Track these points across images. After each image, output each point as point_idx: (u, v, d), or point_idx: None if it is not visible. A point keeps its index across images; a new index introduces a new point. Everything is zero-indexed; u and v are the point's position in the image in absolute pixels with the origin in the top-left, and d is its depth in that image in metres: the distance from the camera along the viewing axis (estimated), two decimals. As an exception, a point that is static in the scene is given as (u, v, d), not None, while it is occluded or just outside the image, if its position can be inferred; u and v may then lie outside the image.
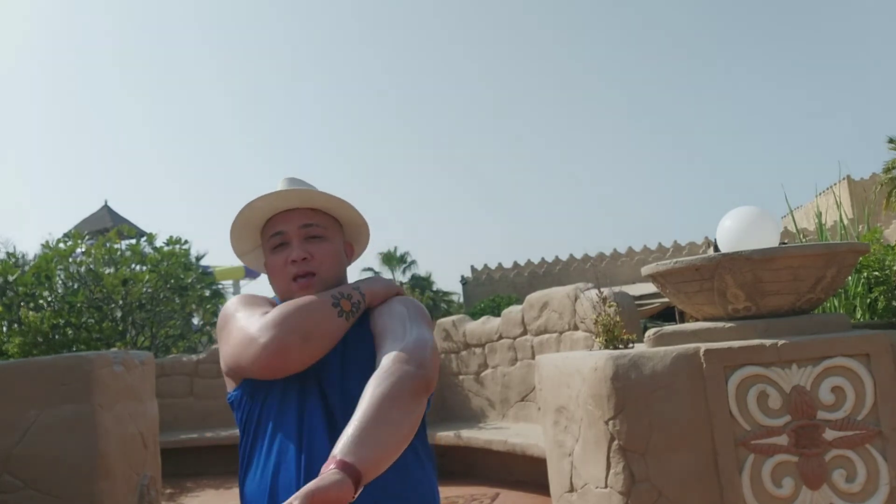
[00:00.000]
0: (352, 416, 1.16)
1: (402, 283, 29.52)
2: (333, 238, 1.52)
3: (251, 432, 1.41)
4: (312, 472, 1.23)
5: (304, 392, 1.39)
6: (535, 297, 6.28)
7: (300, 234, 1.47)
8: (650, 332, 3.14)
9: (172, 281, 10.89)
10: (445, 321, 7.39)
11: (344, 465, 1.06)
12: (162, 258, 10.95)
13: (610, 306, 3.46)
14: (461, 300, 27.11)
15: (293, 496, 1.00)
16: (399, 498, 1.33)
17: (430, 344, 1.35)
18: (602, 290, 4.06)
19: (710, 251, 5.07)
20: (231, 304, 1.50)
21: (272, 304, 1.49)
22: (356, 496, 1.05)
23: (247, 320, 1.38)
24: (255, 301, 1.49)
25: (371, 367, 1.30)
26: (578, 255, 26.10)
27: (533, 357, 6.08)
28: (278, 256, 1.47)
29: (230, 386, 1.48)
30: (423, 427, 1.42)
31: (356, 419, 1.15)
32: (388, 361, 1.27)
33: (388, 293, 1.51)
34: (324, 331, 1.34)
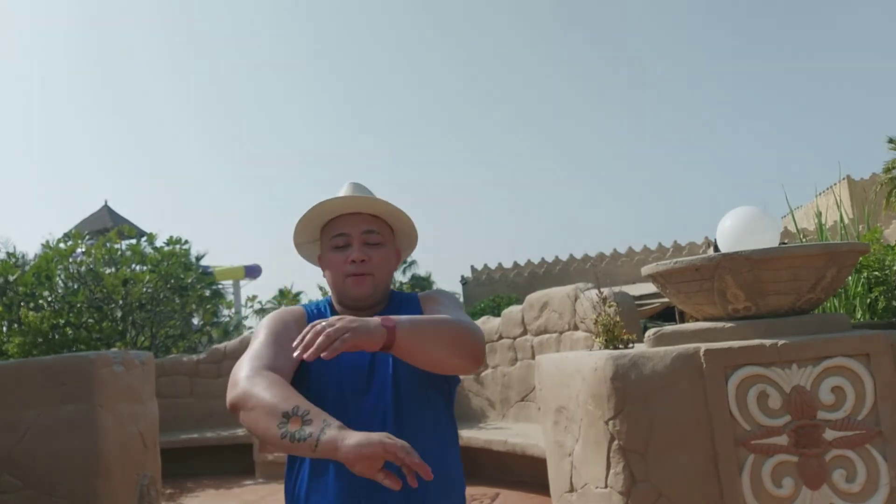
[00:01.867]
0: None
1: (402, 284, 29.50)
2: (388, 244, 1.69)
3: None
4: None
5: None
6: (535, 297, 6.28)
7: (361, 238, 1.63)
8: (650, 332, 3.14)
9: (172, 281, 10.89)
10: (445, 321, 7.38)
11: (385, 320, 1.34)
12: (162, 258, 10.95)
13: (610, 306, 3.46)
14: (461, 300, 27.12)
15: (336, 317, 1.30)
16: (445, 468, 1.54)
17: (478, 327, 1.58)
18: (602, 290, 4.06)
19: (710, 251, 5.06)
20: (262, 324, 1.62)
21: (300, 323, 1.61)
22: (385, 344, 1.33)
23: (247, 362, 1.47)
24: (279, 328, 1.57)
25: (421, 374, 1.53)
26: (578, 255, 26.11)
27: (533, 357, 6.08)
28: (339, 254, 1.63)
29: None
30: (456, 432, 1.67)
31: (423, 317, 1.45)
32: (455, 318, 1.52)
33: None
34: (257, 425, 1.35)
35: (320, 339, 1.26)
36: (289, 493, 1.60)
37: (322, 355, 1.25)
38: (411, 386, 1.56)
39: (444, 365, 1.47)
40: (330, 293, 1.72)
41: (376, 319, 1.34)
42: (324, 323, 1.29)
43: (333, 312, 1.69)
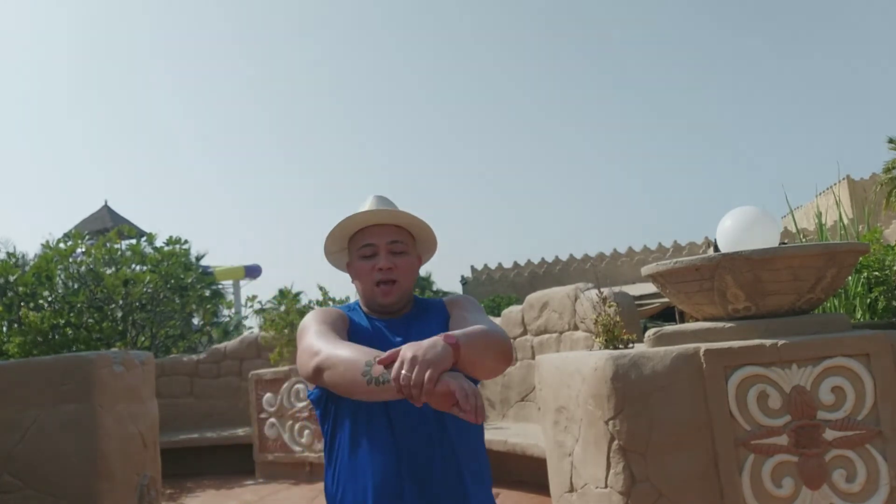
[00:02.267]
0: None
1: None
2: (411, 252, 1.83)
3: (331, 422, 1.73)
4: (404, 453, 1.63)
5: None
6: (535, 297, 6.28)
7: (388, 248, 1.77)
8: (650, 332, 3.14)
9: (172, 281, 10.88)
10: (445, 321, 7.38)
11: (447, 338, 1.42)
12: (162, 258, 10.94)
13: (610, 306, 3.46)
14: (462, 301, 27.03)
15: (403, 353, 1.36)
16: (475, 457, 1.70)
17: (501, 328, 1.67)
18: (602, 290, 4.06)
19: (710, 251, 5.06)
20: (308, 318, 1.75)
21: (343, 318, 1.76)
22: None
23: (316, 340, 1.62)
24: (327, 319, 1.71)
25: None
26: (578, 255, 26.10)
27: (533, 357, 6.08)
28: (367, 263, 1.77)
29: (310, 385, 1.73)
30: (484, 445, 1.79)
31: (466, 330, 1.51)
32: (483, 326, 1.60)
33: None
34: (345, 378, 1.49)
35: (415, 387, 1.33)
36: (328, 483, 1.73)
37: (425, 400, 1.35)
38: None
39: (491, 370, 1.58)
40: (358, 297, 1.86)
41: (439, 339, 1.41)
42: (405, 371, 1.34)
43: (364, 315, 1.82)
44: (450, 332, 1.46)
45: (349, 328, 1.75)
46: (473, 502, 1.66)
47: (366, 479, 1.63)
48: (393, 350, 1.40)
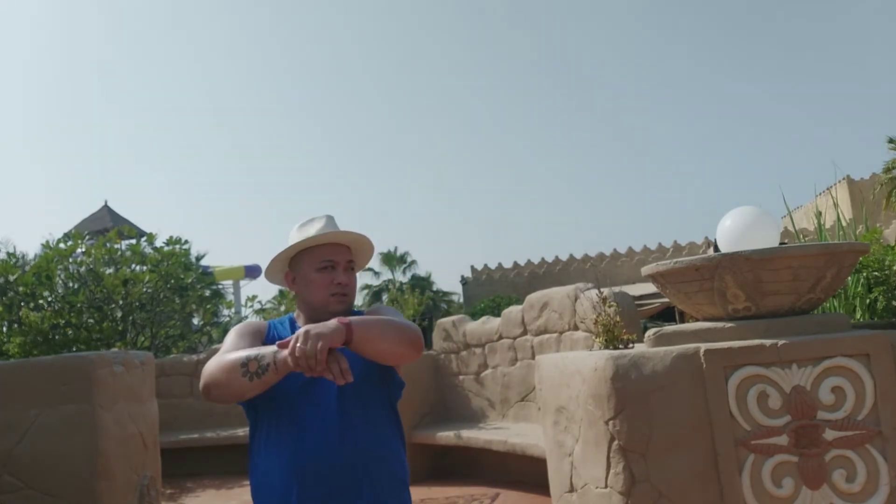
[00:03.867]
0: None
1: (402, 284, 29.49)
2: (356, 269, 2.06)
3: (252, 425, 1.96)
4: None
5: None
6: (535, 297, 6.28)
7: (345, 265, 1.99)
8: (650, 332, 3.14)
9: (172, 281, 10.88)
10: (445, 321, 7.39)
11: (340, 319, 1.66)
12: (162, 258, 10.94)
13: (610, 306, 3.46)
14: (461, 300, 27.12)
15: (299, 331, 1.61)
16: (383, 460, 1.87)
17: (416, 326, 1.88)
18: (602, 290, 4.06)
19: (710, 251, 5.06)
20: (228, 335, 1.92)
21: (260, 334, 1.94)
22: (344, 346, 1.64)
23: (215, 357, 1.80)
24: (242, 335, 1.89)
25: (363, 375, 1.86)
26: (578, 255, 26.11)
27: (533, 357, 6.08)
28: (325, 275, 1.95)
29: None
30: (401, 432, 1.99)
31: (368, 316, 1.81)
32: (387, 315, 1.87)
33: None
34: (228, 384, 1.70)
35: (308, 357, 1.57)
36: (252, 470, 1.94)
37: (318, 370, 1.58)
38: (354, 383, 1.76)
39: (391, 354, 1.78)
40: (298, 308, 2.03)
41: (332, 321, 1.65)
42: (300, 343, 1.57)
43: (297, 327, 1.99)
44: (342, 317, 1.68)
45: (266, 337, 1.94)
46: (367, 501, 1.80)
47: (266, 479, 1.84)
48: (291, 336, 1.61)
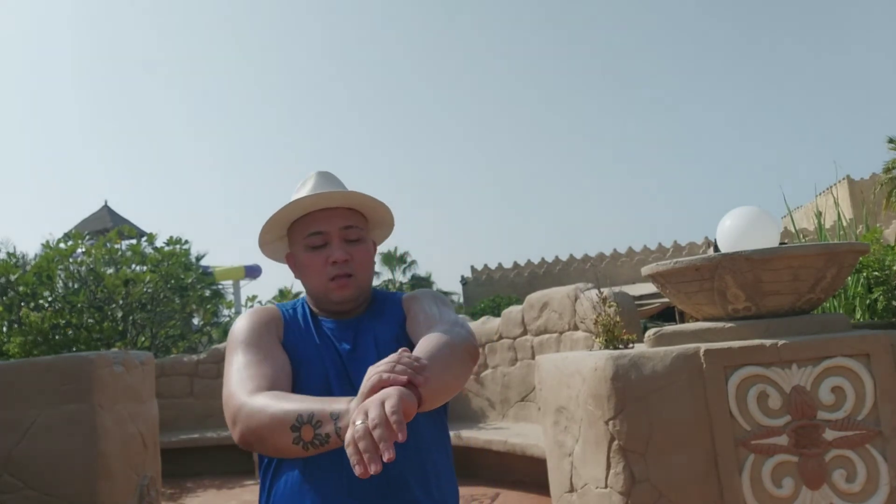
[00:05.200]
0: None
1: (402, 284, 29.50)
2: (367, 239, 1.54)
3: None
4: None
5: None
6: (535, 297, 6.28)
7: (341, 235, 1.49)
8: (650, 332, 3.14)
9: (173, 281, 10.88)
10: (445, 321, 7.37)
11: (413, 388, 1.10)
12: (162, 258, 10.95)
13: (610, 306, 3.46)
14: (461, 300, 27.11)
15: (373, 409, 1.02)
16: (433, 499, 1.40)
17: (466, 322, 1.46)
18: (602, 290, 4.06)
19: (710, 251, 5.06)
20: (236, 330, 1.46)
21: (277, 323, 1.48)
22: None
23: (236, 386, 1.33)
24: (254, 336, 1.43)
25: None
26: (578, 255, 26.12)
27: (533, 357, 6.08)
28: (317, 255, 1.48)
29: None
30: (447, 430, 1.53)
31: (426, 356, 1.19)
32: (442, 327, 1.34)
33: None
34: (277, 448, 1.23)
35: (380, 443, 1.00)
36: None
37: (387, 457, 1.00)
38: None
39: (459, 387, 1.32)
40: (305, 294, 1.60)
41: (392, 389, 1.07)
42: (370, 430, 1.02)
43: (310, 315, 1.54)
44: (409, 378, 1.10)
45: (284, 335, 1.48)
46: None
47: (310, 500, 1.35)
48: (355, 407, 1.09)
